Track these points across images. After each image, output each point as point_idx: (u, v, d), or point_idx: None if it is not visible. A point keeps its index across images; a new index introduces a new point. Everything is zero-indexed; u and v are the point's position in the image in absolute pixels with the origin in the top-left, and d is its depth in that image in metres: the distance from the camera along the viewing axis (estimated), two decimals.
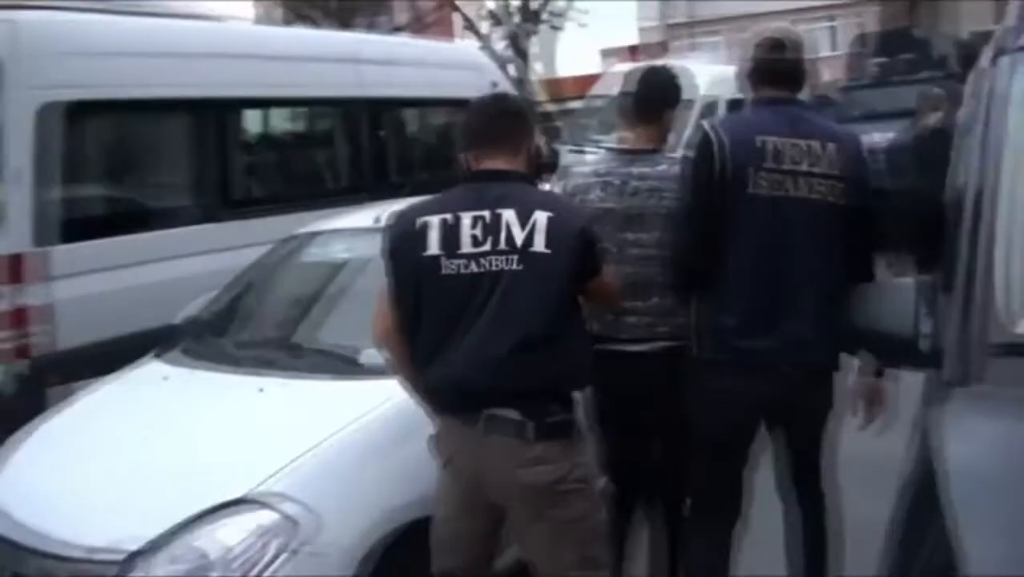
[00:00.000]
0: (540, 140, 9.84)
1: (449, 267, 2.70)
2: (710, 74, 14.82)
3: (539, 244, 2.66)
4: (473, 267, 2.68)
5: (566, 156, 12.04)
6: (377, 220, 4.16)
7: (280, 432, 3.15)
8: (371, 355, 3.40)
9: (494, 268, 2.66)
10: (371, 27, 19.81)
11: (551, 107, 20.66)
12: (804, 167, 3.02)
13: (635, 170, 3.33)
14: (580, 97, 18.94)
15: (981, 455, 1.85)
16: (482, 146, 2.85)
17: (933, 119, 8.28)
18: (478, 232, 2.69)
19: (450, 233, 2.71)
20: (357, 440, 3.10)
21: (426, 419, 2.91)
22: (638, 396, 3.28)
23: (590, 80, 21.35)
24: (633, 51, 33.71)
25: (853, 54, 16.95)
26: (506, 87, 10.13)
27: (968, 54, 21.42)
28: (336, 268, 4.30)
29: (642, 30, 37.87)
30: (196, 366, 3.79)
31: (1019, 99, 2.57)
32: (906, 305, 2.49)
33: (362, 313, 3.83)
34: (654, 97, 3.45)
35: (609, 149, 3.48)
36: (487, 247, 2.68)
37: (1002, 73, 2.64)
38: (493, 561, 2.99)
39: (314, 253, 4.42)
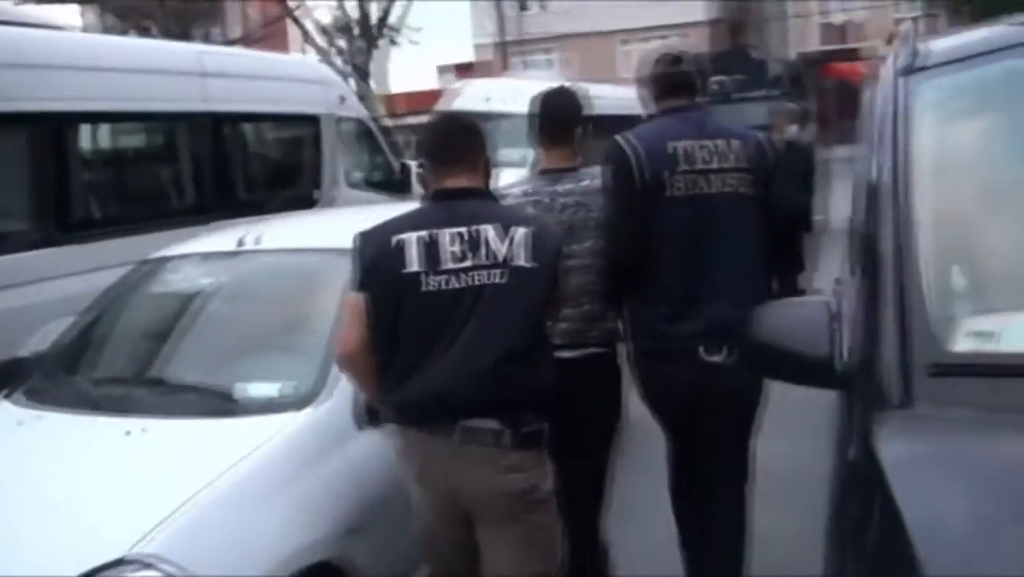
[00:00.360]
0: (391, 157, 9.46)
1: (431, 283, 2.75)
2: None
3: (522, 259, 2.78)
4: (455, 282, 2.74)
5: (415, 171, 11.90)
6: (240, 243, 3.92)
7: (152, 482, 2.84)
8: (245, 389, 3.19)
9: (477, 282, 2.74)
10: (206, 39, 19.21)
11: (390, 123, 20.47)
12: (715, 165, 3.30)
13: (560, 188, 3.45)
14: (419, 112, 18.84)
15: (940, 492, 1.79)
16: (443, 164, 2.92)
17: (788, 132, 8.58)
18: (458, 248, 2.76)
19: (430, 250, 2.76)
20: (240, 486, 2.83)
21: (322, 450, 2.83)
22: (570, 400, 3.28)
23: (428, 96, 21.26)
24: (468, 68, 33.88)
25: None
26: (353, 101, 9.90)
27: (796, 74, 22.44)
28: (198, 295, 3.99)
29: (477, 47, 38.13)
30: (51, 408, 3.42)
31: (925, 115, 2.59)
32: (818, 323, 2.44)
33: (231, 343, 3.64)
34: (561, 118, 3.54)
35: (537, 171, 3.61)
36: (469, 262, 2.76)
37: (910, 90, 2.66)
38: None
39: (172, 279, 4.11)
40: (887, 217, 2.38)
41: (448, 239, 2.77)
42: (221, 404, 3.20)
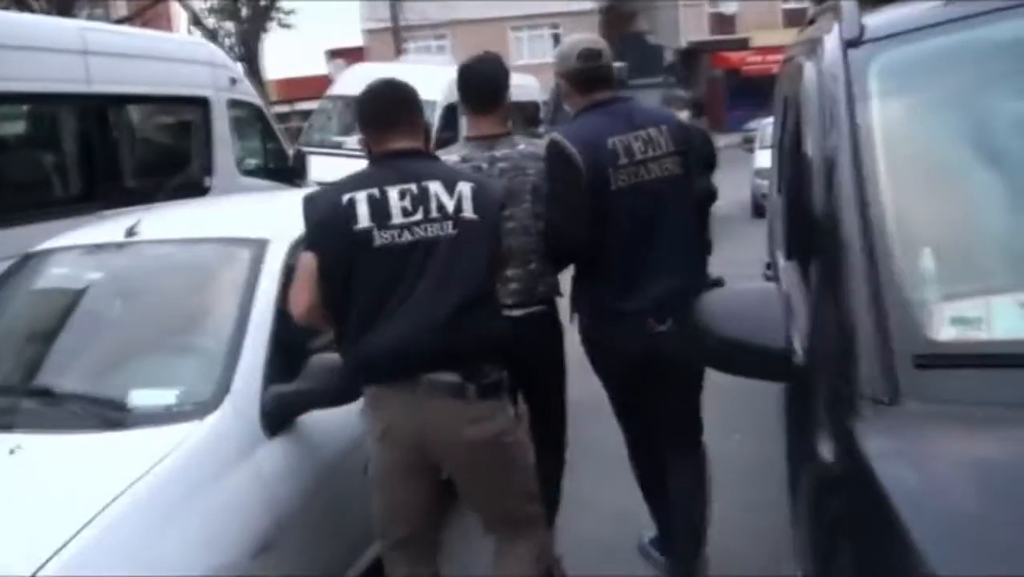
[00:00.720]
0: (285, 143, 9.05)
1: (382, 238, 2.80)
2: (450, 76, 14.61)
3: (468, 211, 2.86)
4: (407, 235, 2.80)
5: (309, 158, 11.52)
6: (131, 232, 3.58)
7: (42, 506, 2.49)
8: (139, 397, 2.89)
9: (429, 235, 2.81)
10: (90, 19, 18.33)
11: (284, 108, 19.91)
12: (651, 153, 3.43)
13: (497, 153, 3.55)
14: (313, 98, 18.40)
15: (938, 490, 1.64)
16: (384, 130, 2.98)
17: (682, 119, 8.50)
18: (407, 203, 2.83)
19: (379, 205, 2.82)
20: (138, 508, 2.48)
21: (227, 462, 2.61)
22: (520, 358, 3.34)
23: (320, 81, 20.73)
24: (358, 53, 33.30)
25: None
26: (244, 84, 9.48)
27: (689, 63, 22.61)
28: (84, 292, 3.62)
29: (367, 32, 37.56)
30: None
31: (879, 89, 2.44)
32: (772, 313, 2.27)
33: (122, 346, 3.29)
34: (490, 83, 3.62)
35: (465, 137, 3.70)
36: (419, 216, 2.82)
37: (857, 64, 2.50)
38: (444, 524, 3.21)
39: (56, 275, 3.72)
40: (848, 197, 2.22)
41: (396, 195, 2.83)
42: (113, 415, 2.86)
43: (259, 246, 3.38)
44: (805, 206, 2.67)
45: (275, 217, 3.76)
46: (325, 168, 12.48)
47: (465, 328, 2.80)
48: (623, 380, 3.61)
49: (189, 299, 3.43)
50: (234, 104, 8.99)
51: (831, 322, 2.13)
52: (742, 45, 38.60)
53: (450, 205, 2.85)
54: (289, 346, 3.17)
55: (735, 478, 4.27)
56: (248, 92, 9.50)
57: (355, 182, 2.90)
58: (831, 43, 2.70)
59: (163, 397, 2.90)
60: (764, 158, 13.35)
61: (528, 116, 15.84)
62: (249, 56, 19.84)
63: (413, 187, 2.85)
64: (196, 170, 8.46)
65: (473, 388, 2.83)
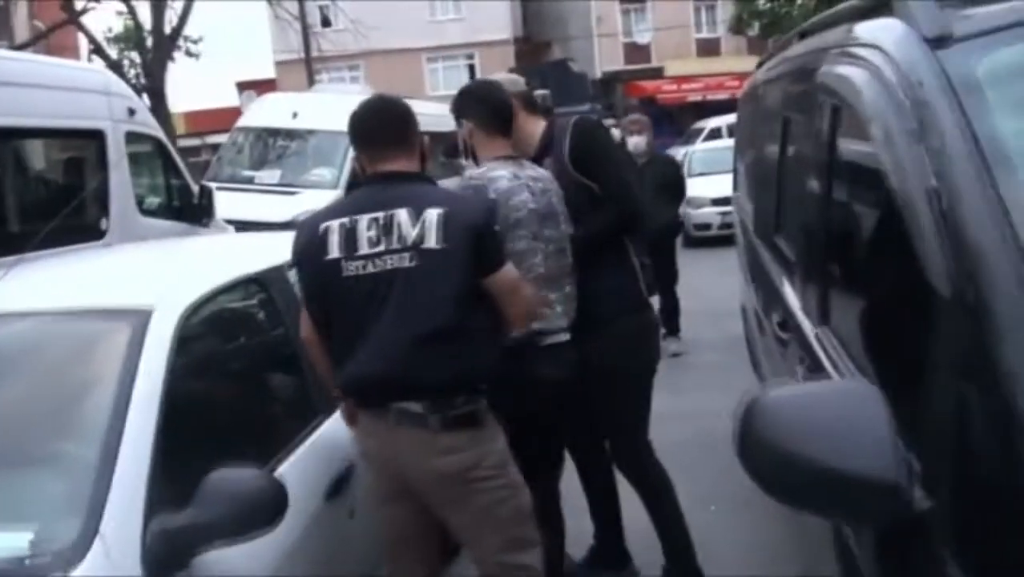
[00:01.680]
0: (189, 179, 8.08)
1: (349, 269, 2.80)
2: None
3: (431, 241, 2.77)
4: (371, 267, 2.79)
5: (217, 195, 10.67)
6: None
7: None
8: None
9: (389, 267, 2.78)
10: None
11: (194, 141, 18.93)
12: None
13: (531, 173, 3.46)
14: (224, 131, 17.51)
15: None
16: (376, 149, 2.95)
17: (634, 143, 7.92)
18: (373, 233, 2.80)
19: (349, 236, 2.81)
20: None
21: None
22: (570, 383, 3.44)
23: (231, 113, 19.85)
24: (270, 85, 32.40)
25: None
26: (144, 115, 8.62)
27: (605, 92, 22.27)
28: None
29: (279, 64, 36.76)
30: None
31: (998, 96, 1.80)
32: (873, 426, 1.58)
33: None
34: (506, 106, 3.53)
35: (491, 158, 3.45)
36: (382, 247, 2.79)
37: (957, 66, 1.86)
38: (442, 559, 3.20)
39: None
40: (994, 241, 1.56)
41: (365, 224, 2.81)
42: None
43: (140, 318, 2.59)
44: (882, 250, 2.01)
45: (165, 276, 3.01)
46: (236, 205, 11.73)
47: (425, 361, 2.75)
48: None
49: (46, 396, 2.53)
50: (133, 137, 8.13)
51: (990, 447, 1.45)
52: (657, 74, 38.62)
53: (412, 235, 2.77)
54: (181, 455, 2.40)
55: (717, 549, 4.03)
56: (149, 123, 8.64)
57: (336, 210, 2.92)
58: (902, 44, 2.06)
59: (10, 543, 2.06)
60: (695, 186, 12.97)
61: (448, 146, 15.13)
62: (154, 87, 18.81)
63: (381, 216, 2.80)
64: (91, 212, 7.56)
65: (437, 419, 2.79)
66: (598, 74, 37.09)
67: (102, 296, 2.79)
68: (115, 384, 2.39)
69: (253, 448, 2.77)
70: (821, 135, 2.68)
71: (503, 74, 4.11)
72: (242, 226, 10.74)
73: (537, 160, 3.61)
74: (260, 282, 3.20)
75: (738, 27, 30.66)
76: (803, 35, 3.75)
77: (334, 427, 3.14)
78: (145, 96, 18.24)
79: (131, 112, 8.11)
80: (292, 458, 2.85)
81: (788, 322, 3.07)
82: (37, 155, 7.67)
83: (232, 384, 2.93)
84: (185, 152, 30.40)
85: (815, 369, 2.52)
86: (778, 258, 3.58)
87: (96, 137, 7.50)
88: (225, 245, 4.47)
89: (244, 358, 3.06)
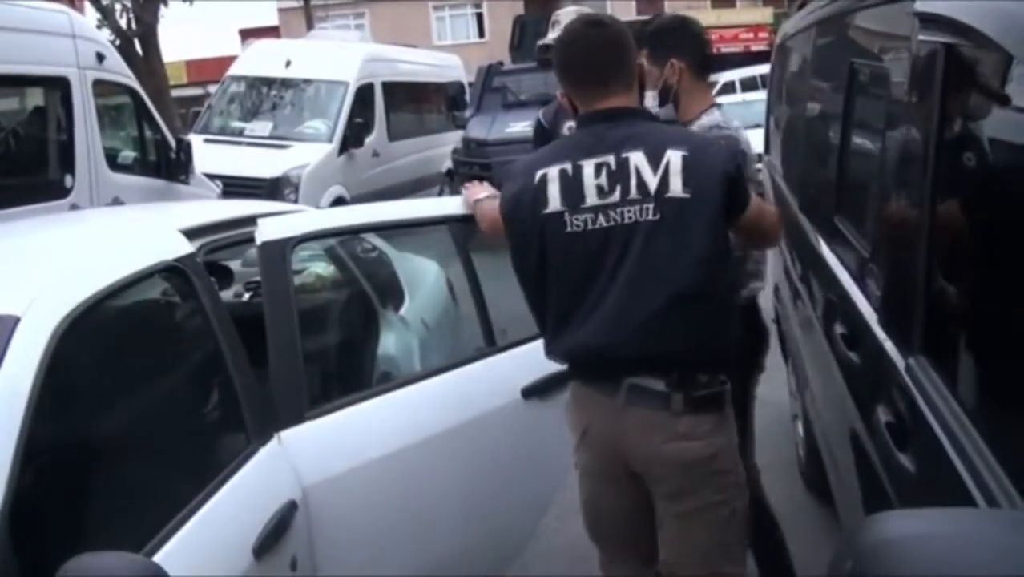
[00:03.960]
0: (165, 131, 7.36)
1: (575, 223, 2.43)
2: (363, 54, 13.15)
3: (676, 188, 2.37)
4: (602, 221, 2.41)
5: (201, 147, 9.98)
6: None
7: None
8: None
9: (627, 220, 2.39)
10: None
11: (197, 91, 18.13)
12: None
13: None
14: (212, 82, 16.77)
15: None
16: (587, 85, 2.54)
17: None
18: (603, 180, 2.42)
19: (572, 184, 2.45)
20: None
21: None
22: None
23: (225, 62, 19.03)
24: (272, 32, 31.62)
25: (515, 36, 15.88)
26: (115, 61, 7.88)
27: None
28: None
29: (281, 11, 36.08)
30: None
31: None
32: None
33: None
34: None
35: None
36: (615, 197, 2.41)
37: None
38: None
39: None
40: None
41: (592, 171, 2.44)
42: None
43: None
44: None
45: (49, 267, 2.29)
46: (224, 159, 11.02)
47: (671, 331, 2.39)
48: None
49: None
50: (103, 86, 7.43)
51: None
52: None
53: (652, 182, 2.38)
54: (41, 529, 1.74)
55: None
56: (121, 71, 7.90)
57: (551, 154, 2.55)
58: None
59: None
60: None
61: (451, 97, 14.41)
62: (145, 34, 18.00)
63: (611, 160, 2.42)
64: (53, 167, 6.93)
65: (680, 398, 2.42)
66: None
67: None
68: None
69: (152, 504, 2.10)
70: (921, 90, 1.97)
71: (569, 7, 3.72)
72: (229, 182, 10.13)
73: None
74: (181, 272, 2.49)
75: None
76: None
77: (272, 457, 2.47)
78: (137, 43, 17.48)
79: (100, 58, 7.39)
80: (205, 509, 2.16)
81: (859, 339, 2.37)
82: None
83: (127, 420, 2.21)
84: (187, 101, 29.88)
85: (909, 415, 1.84)
86: (841, 248, 2.87)
87: (60, 85, 6.82)
88: (152, 218, 3.72)
89: (148, 380, 2.32)
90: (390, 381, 3.13)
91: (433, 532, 2.84)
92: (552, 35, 3.75)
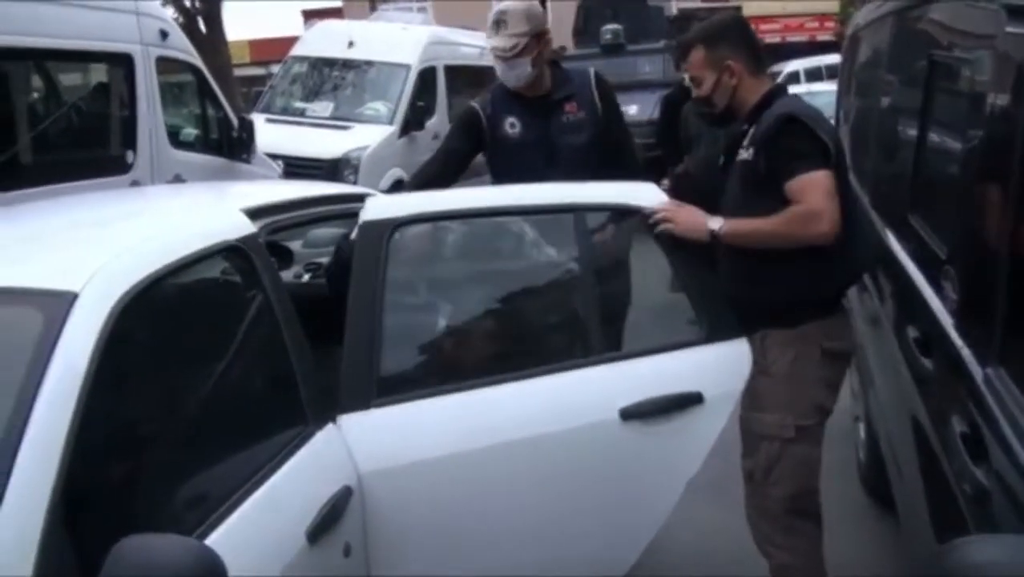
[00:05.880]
0: (228, 110, 7.32)
1: None
2: (426, 37, 13.10)
3: None
4: None
5: (263, 127, 10.01)
6: None
7: None
8: None
9: None
10: None
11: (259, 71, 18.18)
12: None
13: None
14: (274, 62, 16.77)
15: None
16: None
17: None
18: None
19: None
20: None
21: None
22: None
23: (288, 43, 19.08)
24: (336, 14, 31.65)
25: (580, 21, 15.78)
26: (179, 38, 7.92)
27: (679, 31, 21.17)
28: None
29: None
30: None
31: None
32: None
33: None
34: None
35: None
36: None
37: None
38: None
39: None
40: None
41: None
42: None
43: (56, 305, 1.90)
44: None
45: (109, 244, 2.28)
46: (285, 139, 11.05)
47: None
48: None
49: None
50: (166, 63, 7.46)
51: None
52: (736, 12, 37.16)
53: None
54: (96, 508, 1.74)
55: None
56: (184, 48, 7.94)
57: None
58: None
59: None
60: None
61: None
62: (210, 12, 18.13)
63: None
64: (115, 142, 6.97)
65: None
66: (674, 11, 35.78)
67: (16, 269, 2.09)
68: (15, 398, 1.72)
69: (206, 486, 2.08)
70: (1007, 85, 1.88)
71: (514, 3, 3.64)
72: (289, 162, 10.16)
73: None
74: (242, 252, 2.46)
75: None
76: None
77: (328, 441, 2.44)
78: (201, 21, 17.61)
79: (164, 35, 7.42)
80: (259, 493, 2.14)
81: (934, 345, 2.28)
82: (58, 80, 7.03)
83: (184, 400, 2.19)
84: (250, 81, 30.04)
85: (987, 427, 1.76)
86: (915, 248, 2.77)
87: (123, 62, 6.85)
88: (214, 197, 3.69)
89: (206, 361, 2.30)
90: (481, 379, 2.87)
91: (498, 543, 2.70)
92: (499, 39, 3.61)
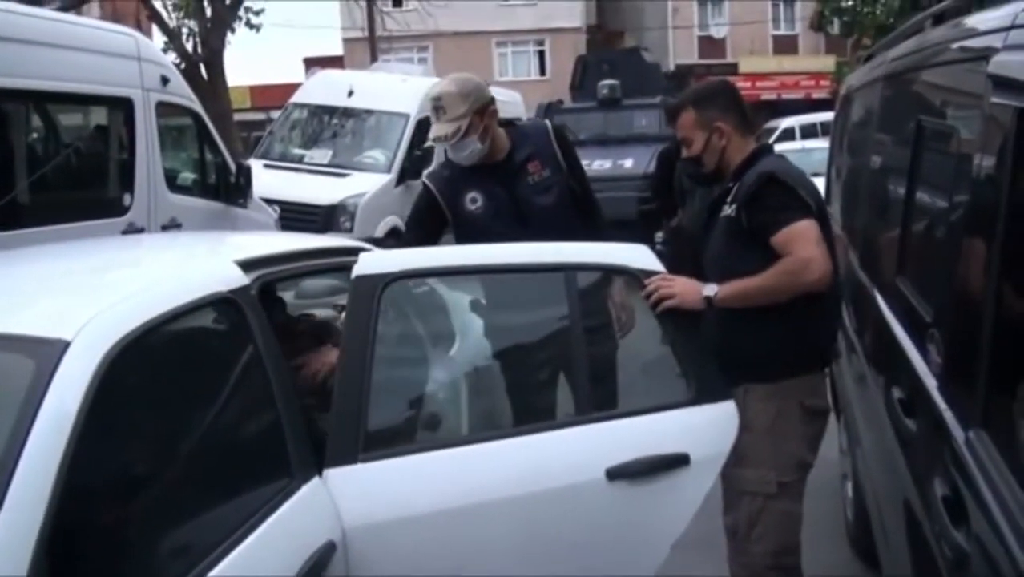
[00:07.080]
0: (226, 155, 7.30)
1: None
2: (425, 87, 13.20)
3: None
4: None
5: (260, 172, 10.06)
6: None
7: None
8: None
9: None
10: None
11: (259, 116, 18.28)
12: None
13: None
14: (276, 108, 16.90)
15: None
16: None
17: None
18: None
19: None
20: None
21: None
22: None
23: (289, 89, 19.24)
24: (336, 62, 31.91)
25: (577, 75, 15.94)
26: (179, 84, 7.99)
27: (677, 86, 21.41)
28: None
29: (346, 41, 36.35)
30: None
31: None
32: None
33: None
34: None
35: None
36: None
37: None
38: None
39: None
40: None
41: None
42: None
43: (48, 353, 1.92)
44: None
45: (101, 293, 2.29)
46: (282, 185, 11.10)
47: None
48: None
49: None
50: (166, 108, 7.54)
51: None
52: (731, 70, 37.50)
53: None
54: (79, 554, 1.75)
55: None
56: (184, 94, 8.01)
57: None
58: None
59: None
60: None
61: None
62: (211, 58, 18.27)
63: None
64: (112, 185, 7.04)
65: None
66: (671, 67, 36.18)
67: (4, 315, 2.11)
68: (4, 442, 1.73)
69: (191, 536, 2.08)
70: (992, 152, 1.92)
71: (456, 76, 3.67)
72: (286, 208, 10.20)
73: None
74: (234, 304, 2.48)
75: (819, 24, 29.71)
76: (939, 19, 2.98)
77: (313, 495, 2.44)
78: (202, 67, 17.74)
79: (165, 80, 7.50)
80: (243, 545, 2.13)
81: (918, 406, 2.30)
82: (58, 122, 7.08)
83: (172, 450, 2.20)
84: (250, 126, 30.23)
85: (967, 490, 1.78)
86: (902, 310, 2.80)
87: (123, 105, 6.92)
88: (208, 248, 3.67)
89: (195, 411, 2.29)
90: (469, 436, 2.97)
91: None
92: (439, 126, 3.53)
